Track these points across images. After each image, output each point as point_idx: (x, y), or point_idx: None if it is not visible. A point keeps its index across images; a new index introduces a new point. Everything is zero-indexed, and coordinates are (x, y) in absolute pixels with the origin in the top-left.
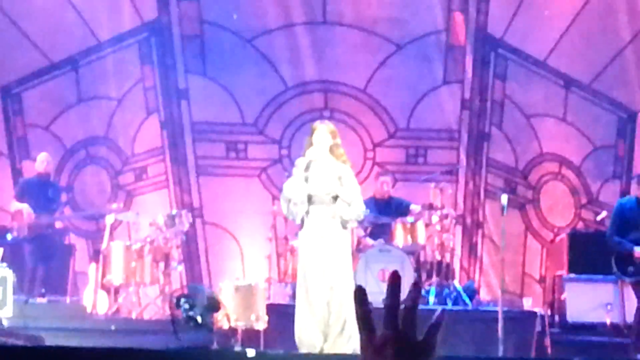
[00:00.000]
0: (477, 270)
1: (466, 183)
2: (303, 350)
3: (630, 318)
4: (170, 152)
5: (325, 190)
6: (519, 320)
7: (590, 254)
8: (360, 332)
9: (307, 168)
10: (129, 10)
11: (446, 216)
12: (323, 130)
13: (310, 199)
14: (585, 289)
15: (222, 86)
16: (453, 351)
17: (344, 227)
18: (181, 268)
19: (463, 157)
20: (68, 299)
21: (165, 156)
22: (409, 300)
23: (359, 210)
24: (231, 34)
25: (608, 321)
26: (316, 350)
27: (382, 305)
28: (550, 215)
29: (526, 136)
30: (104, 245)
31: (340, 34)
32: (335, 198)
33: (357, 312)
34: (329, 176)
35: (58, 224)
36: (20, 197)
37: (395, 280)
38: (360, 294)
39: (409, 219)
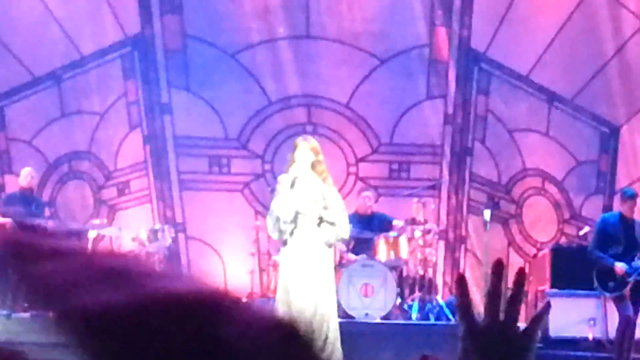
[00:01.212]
0: None
1: (449, 198)
2: None
3: (612, 333)
4: (153, 167)
5: (311, 209)
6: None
7: (572, 269)
8: (461, 322)
9: (292, 185)
10: (112, 24)
11: (429, 231)
12: (305, 147)
13: (295, 217)
14: (567, 304)
15: (205, 101)
16: None
17: (329, 246)
18: None
19: (446, 172)
20: (51, 314)
21: (148, 171)
22: (514, 289)
23: (344, 231)
24: (214, 49)
25: (590, 336)
26: None
27: (365, 320)
28: (533, 230)
29: (509, 151)
30: None
31: (323, 48)
32: (321, 218)
33: (457, 301)
34: (313, 194)
35: None
36: (3, 212)
37: (499, 267)
38: (462, 283)
39: (392, 234)
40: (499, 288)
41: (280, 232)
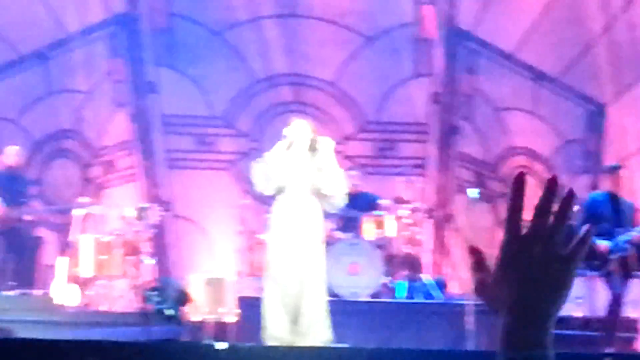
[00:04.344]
0: (447, 264)
1: (436, 177)
2: (272, 342)
3: (599, 312)
4: (140, 145)
5: (303, 180)
6: (490, 313)
7: None
8: (506, 229)
9: (288, 147)
10: (98, 2)
11: (416, 210)
12: (303, 124)
13: (283, 188)
14: None
15: (192, 79)
16: (423, 344)
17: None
18: (151, 261)
19: (433, 150)
20: (37, 292)
21: (134, 149)
22: (541, 199)
23: (339, 202)
24: (200, 27)
25: (578, 315)
26: (285, 342)
27: (352, 299)
28: None
29: (496, 130)
30: (73, 238)
31: (309, 27)
32: (315, 187)
33: (509, 202)
34: (306, 167)
35: (27, 217)
36: None
37: (519, 181)
38: (520, 183)
39: (379, 212)
40: (518, 203)
41: (268, 181)
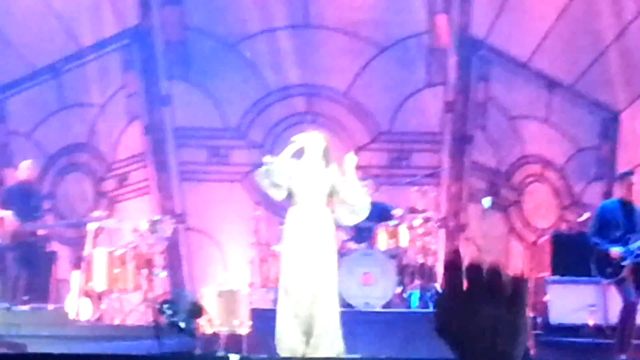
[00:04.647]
0: None
1: (449, 186)
2: (284, 354)
3: (613, 319)
4: (153, 158)
5: (317, 189)
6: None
7: (573, 256)
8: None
9: (299, 154)
10: (111, 16)
11: (429, 219)
12: (317, 134)
13: (295, 197)
14: (568, 291)
15: (205, 91)
16: (436, 354)
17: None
18: (164, 274)
19: (446, 159)
20: (51, 306)
21: (147, 162)
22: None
23: (362, 215)
24: (214, 40)
25: (591, 322)
26: (298, 355)
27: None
28: (534, 217)
29: (509, 138)
30: (86, 252)
31: (322, 37)
32: (328, 196)
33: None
34: (321, 175)
35: (40, 232)
36: (2, 206)
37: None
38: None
39: (392, 222)
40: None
41: (275, 185)
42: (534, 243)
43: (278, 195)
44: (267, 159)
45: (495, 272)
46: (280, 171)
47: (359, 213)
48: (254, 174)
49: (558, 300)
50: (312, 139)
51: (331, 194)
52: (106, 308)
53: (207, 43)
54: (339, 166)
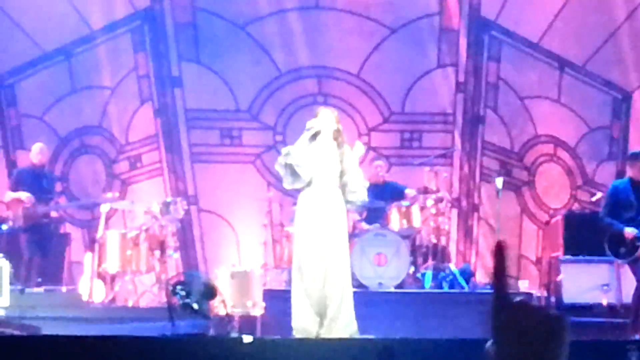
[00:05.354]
0: (473, 253)
1: (461, 166)
2: (299, 335)
3: (626, 298)
4: (165, 140)
5: (329, 168)
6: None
7: (586, 235)
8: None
9: (314, 137)
10: None
11: (441, 200)
12: (328, 113)
13: (310, 176)
14: (581, 270)
15: (216, 73)
16: (450, 334)
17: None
18: (177, 255)
19: (458, 140)
20: (64, 288)
21: (159, 144)
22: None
23: (363, 195)
24: (224, 21)
25: (605, 302)
26: (312, 336)
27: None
28: (546, 197)
29: (521, 118)
30: (99, 234)
31: (333, 18)
32: (339, 177)
33: (494, 271)
34: (332, 156)
35: (53, 214)
36: (14, 188)
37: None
38: (500, 253)
39: (404, 203)
40: (502, 270)
41: (294, 178)
42: (547, 223)
43: (298, 185)
44: (285, 150)
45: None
46: (302, 167)
47: (356, 201)
48: (275, 165)
49: (571, 279)
50: (323, 120)
51: (341, 175)
52: (119, 290)
53: (217, 24)
54: (349, 149)
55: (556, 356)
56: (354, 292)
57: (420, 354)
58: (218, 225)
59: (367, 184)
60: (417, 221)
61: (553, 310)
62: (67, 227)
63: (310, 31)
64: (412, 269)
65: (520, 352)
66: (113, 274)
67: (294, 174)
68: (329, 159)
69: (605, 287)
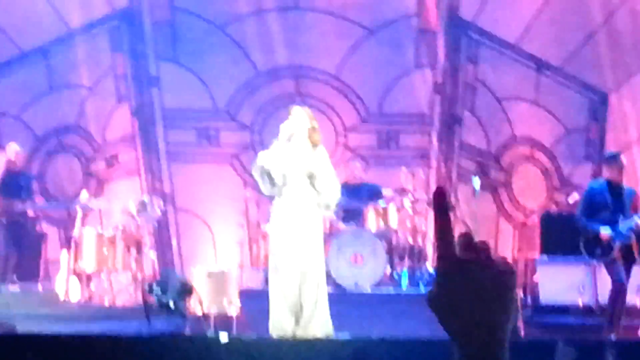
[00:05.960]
0: None
1: (438, 167)
2: (275, 335)
3: (602, 299)
4: (142, 139)
5: (302, 169)
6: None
7: (562, 236)
8: (438, 253)
9: (289, 139)
10: None
11: (418, 200)
12: (301, 112)
13: (285, 178)
14: (557, 271)
15: (194, 73)
16: (427, 334)
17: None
18: (153, 254)
19: (435, 141)
20: (40, 286)
21: (136, 143)
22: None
23: (336, 196)
24: (202, 21)
25: (580, 302)
26: (288, 335)
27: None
28: (523, 197)
29: (498, 119)
30: (75, 232)
31: (311, 19)
32: (311, 179)
33: (435, 220)
34: (305, 157)
35: (30, 212)
36: None
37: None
38: (440, 199)
39: (381, 203)
40: (445, 221)
41: (272, 184)
42: (524, 223)
43: (276, 191)
44: (259, 156)
45: (486, 245)
46: (272, 168)
47: (329, 204)
48: (251, 168)
49: (548, 280)
50: (298, 122)
51: (314, 177)
52: (95, 289)
53: (195, 24)
54: (323, 149)
55: (506, 309)
56: (330, 292)
57: (396, 354)
58: (195, 224)
59: (339, 186)
60: (393, 221)
61: (502, 266)
62: (44, 226)
63: (288, 31)
64: (389, 269)
65: (462, 299)
66: (89, 273)
67: (271, 179)
68: (303, 159)
69: (581, 288)
